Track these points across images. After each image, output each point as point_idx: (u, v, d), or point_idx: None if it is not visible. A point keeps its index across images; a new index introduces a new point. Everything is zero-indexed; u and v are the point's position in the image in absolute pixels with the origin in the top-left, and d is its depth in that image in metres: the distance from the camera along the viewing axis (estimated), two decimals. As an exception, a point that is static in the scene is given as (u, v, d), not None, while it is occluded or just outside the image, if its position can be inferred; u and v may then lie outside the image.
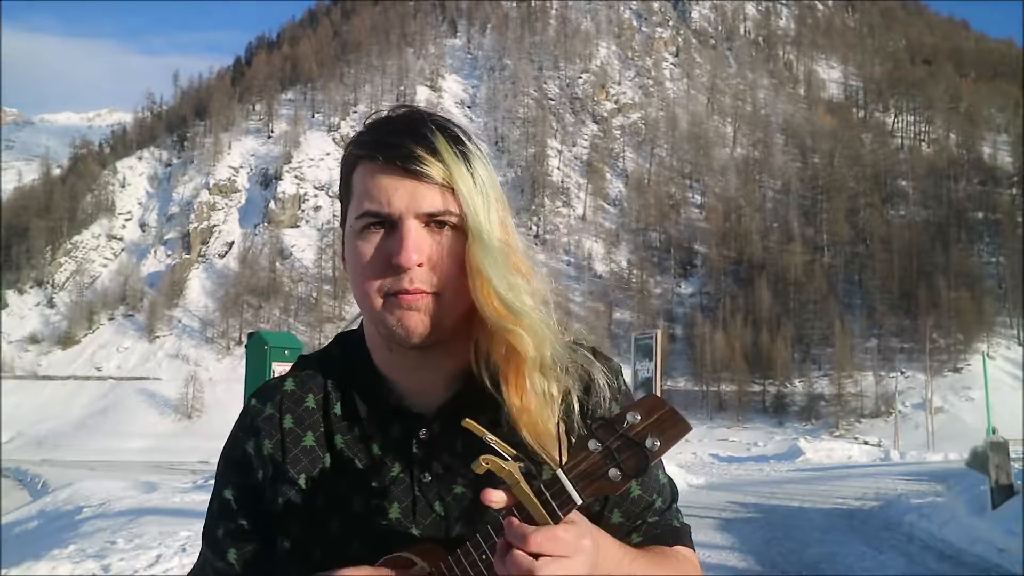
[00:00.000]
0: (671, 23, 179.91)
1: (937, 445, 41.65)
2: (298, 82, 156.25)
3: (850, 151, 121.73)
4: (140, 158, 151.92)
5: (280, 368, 13.35)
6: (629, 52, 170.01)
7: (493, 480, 0.84)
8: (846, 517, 11.90)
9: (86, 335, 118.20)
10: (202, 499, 12.87)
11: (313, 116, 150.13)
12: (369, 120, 1.02)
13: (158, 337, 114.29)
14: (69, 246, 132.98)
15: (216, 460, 1.05)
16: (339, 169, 1.05)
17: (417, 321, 0.94)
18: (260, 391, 1.09)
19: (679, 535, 1.05)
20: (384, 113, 1.01)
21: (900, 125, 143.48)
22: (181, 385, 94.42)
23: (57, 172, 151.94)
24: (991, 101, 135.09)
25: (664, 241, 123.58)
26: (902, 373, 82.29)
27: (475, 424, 0.86)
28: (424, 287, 0.93)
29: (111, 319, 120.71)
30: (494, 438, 0.84)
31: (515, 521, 0.80)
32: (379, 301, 0.95)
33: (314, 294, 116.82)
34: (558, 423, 0.95)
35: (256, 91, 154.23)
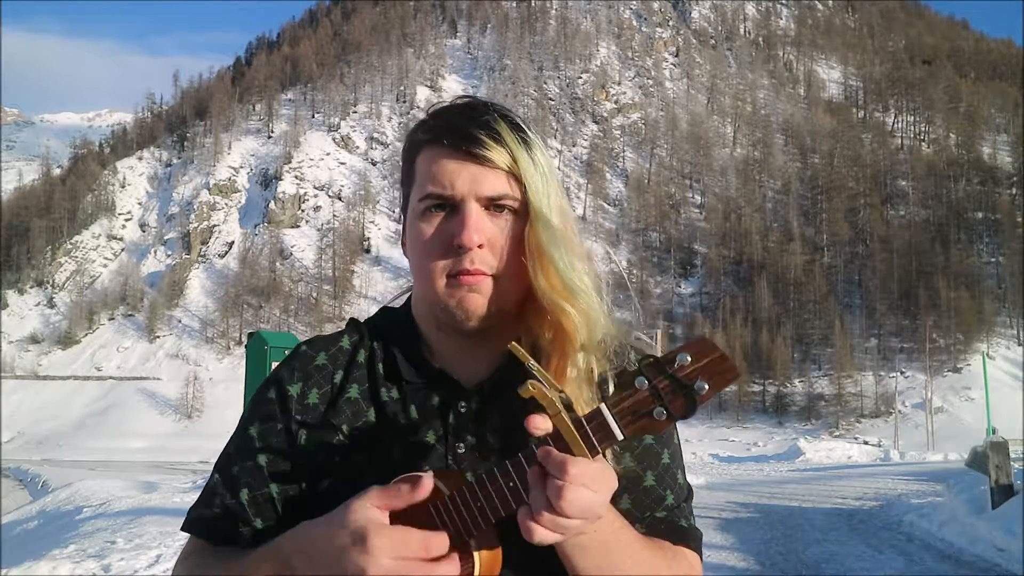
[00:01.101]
0: (671, 23, 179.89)
1: (937, 445, 41.69)
2: (298, 82, 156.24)
3: (850, 151, 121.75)
4: (140, 158, 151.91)
5: (280, 368, 13.30)
6: (629, 52, 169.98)
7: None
8: (846, 517, 11.89)
9: (86, 335, 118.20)
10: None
11: (313, 116, 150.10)
12: (432, 108, 1.05)
13: (158, 337, 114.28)
14: (69, 246, 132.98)
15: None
16: (402, 154, 1.07)
17: (477, 303, 0.96)
18: (314, 341, 1.10)
19: (684, 535, 1.03)
20: (446, 103, 1.05)
21: (900, 125, 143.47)
22: (181, 385, 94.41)
23: (57, 172, 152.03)
24: (991, 101, 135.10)
25: (664, 241, 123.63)
26: (902, 373, 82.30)
27: (520, 348, 0.85)
28: (484, 268, 0.96)
29: (111, 319, 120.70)
30: (537, 366, 0.83)
31: (553, 450, 0.79)
32: (441, 282, 0.97)
33: (314, 294, 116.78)
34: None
35: (256, 91, 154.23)
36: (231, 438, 1.06)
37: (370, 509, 0.83)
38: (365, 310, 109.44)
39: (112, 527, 9.90)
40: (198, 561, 1.02)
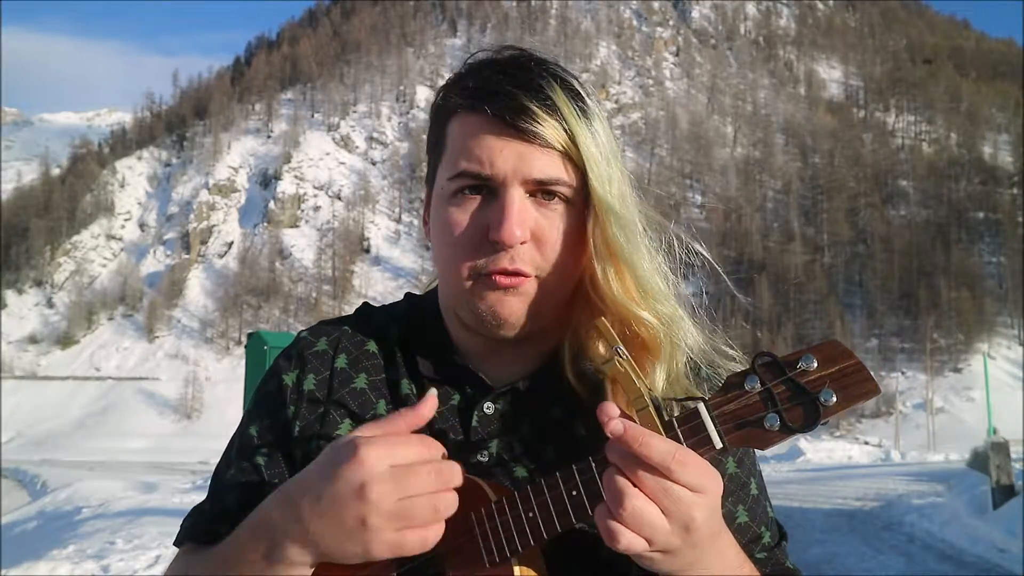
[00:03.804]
0: (671, 23, 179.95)
1: (938, 445, 41.69)
2: (298, 82, 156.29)
3: (850, 151, 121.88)
4: (140, 158, 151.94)
5: (280, 368, 13.30)
6: (629, 52, 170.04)
7: (567, 451, 0.75)
8: (847, 517, 11.87)
9: (85, 335, 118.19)
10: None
11: (313, 116, 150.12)
12: (471, 61, 0.85)
13: (157, 337, 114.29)
14: (68, 246, 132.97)
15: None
16: (429, 116, 0.88)
17: (513, 308, 0.79)
18: (315, 327, 0.95)
19: None
20: (488, 55, 0.85)
21: (900, 125, 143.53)
22: (181, 385, 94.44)
23: (56, 172, 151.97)
24: (991, 101, 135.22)
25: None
26: (903, 373, 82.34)
27: (606, 323, 0.71)
28: (526, 268, 0.78)
29: (110, 319, 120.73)
30: (626, 352, 0.67)
31: (635, 425, 0.62)
32: (469, 282, 0.80)
33: (314, 294, 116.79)
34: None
35: (256, 91, 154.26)
36: (230, 440, 0.93)
37: (355, 433, 0.70)
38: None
39: (111, 527, 9.88)
40: (186, 560, 0.89)
